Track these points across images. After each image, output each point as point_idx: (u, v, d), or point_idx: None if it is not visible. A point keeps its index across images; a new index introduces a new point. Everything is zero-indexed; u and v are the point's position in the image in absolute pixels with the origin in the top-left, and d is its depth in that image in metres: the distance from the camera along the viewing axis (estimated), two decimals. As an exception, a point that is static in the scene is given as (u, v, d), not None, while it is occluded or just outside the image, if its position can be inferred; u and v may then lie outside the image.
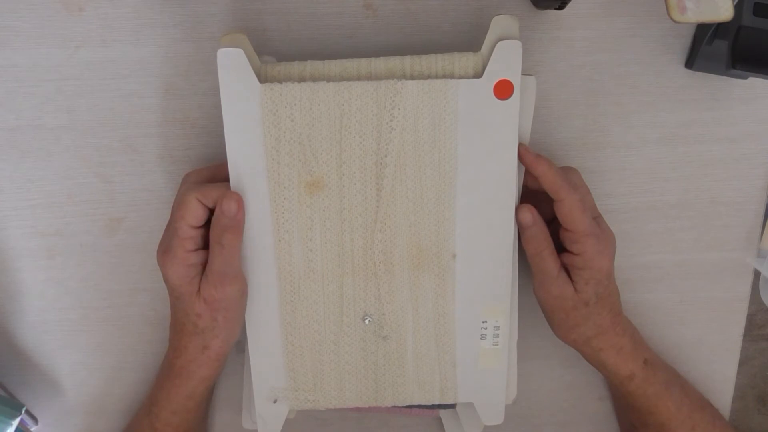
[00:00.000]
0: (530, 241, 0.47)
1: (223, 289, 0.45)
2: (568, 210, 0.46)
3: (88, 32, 0.50)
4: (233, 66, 0.44)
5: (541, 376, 0.57)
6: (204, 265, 0.46)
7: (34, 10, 0.49)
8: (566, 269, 0.48)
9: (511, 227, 0.47)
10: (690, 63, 0.52)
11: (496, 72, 0.45)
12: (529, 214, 0.46)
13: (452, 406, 0.53)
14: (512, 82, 0.45)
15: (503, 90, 0.45)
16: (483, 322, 0.49)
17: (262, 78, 0.45)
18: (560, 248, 0.48)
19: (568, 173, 0.48)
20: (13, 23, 0.49)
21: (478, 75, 0.45)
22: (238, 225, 0.45)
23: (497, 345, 0.50)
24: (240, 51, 0.43)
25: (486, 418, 0.51)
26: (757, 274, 0.56)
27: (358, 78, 0.45)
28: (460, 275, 0.48)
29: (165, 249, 0.46)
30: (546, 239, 0.47)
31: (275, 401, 0.50)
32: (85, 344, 0.55)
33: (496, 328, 0.49)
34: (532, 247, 0.47)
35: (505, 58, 0.44)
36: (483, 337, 0.49)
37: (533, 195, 0.48)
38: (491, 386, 0.51)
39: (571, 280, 0.47)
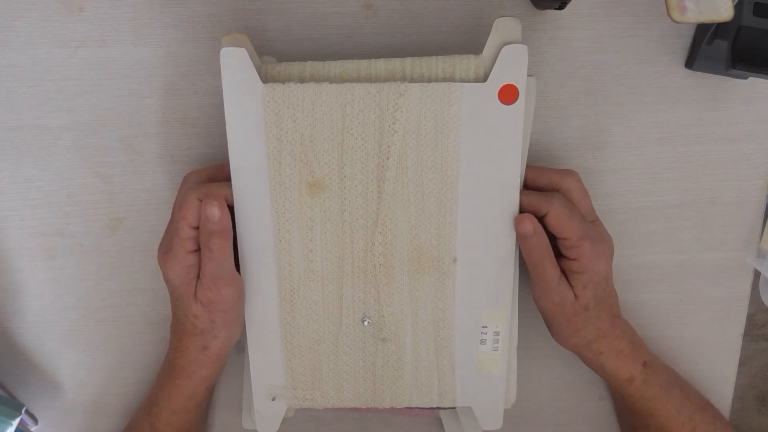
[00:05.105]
0: (531, 251, 0.46)
1: (218, 291, 0.45)
2: (555, 221, 0.45)
3: (88, 32, 0.50)
4: (236, 65, 0.44)
5: (540, 377, 0.57)
6: (203, 267, 0.46)
7: (34, 10, 0.49)
8: (565, 274, 0.47)
9: (513, 233, 0.47)
10: (690, 63, 0.52)
11: (501, 76, 0.44)
12: (530, 224, 0.45)
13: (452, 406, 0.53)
14: (517, 86, 0.44)
15: (508, 95, 0.44)
16: (483, 327, 0.49)
17: (263, 78, 0.45)
18: (557, 253, 0.47)
19: (566, 176, 0.47)
20: (13, 23, 0.49)
21: (479, 78, 0.45)
22: (223, 229, 0.44)
23: (497, 350, 0.49)
24: (243, 50, 0.43)
25: (484, 422, 0.51)
26: (757, 274, 0.56)
27: (358, 79, 0.45)
28: (460, 280, 0.48)
29: (166, 249, 0.46)
30: (546, 248, 0.46)
31: (273, 399, 0.50)
32: (85, 344, 0.55)
33: (496, 333, 0.49)
34: (533, 257, 0.46)
35: (511, 63, 0.44)
36: (483, 342, 0.49)
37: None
38: (490, 391, 0.50)
39: (570, 285, 0.47)
